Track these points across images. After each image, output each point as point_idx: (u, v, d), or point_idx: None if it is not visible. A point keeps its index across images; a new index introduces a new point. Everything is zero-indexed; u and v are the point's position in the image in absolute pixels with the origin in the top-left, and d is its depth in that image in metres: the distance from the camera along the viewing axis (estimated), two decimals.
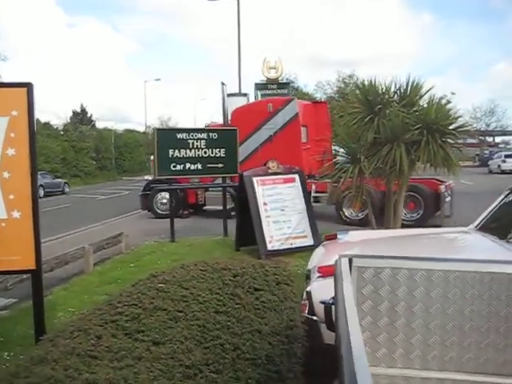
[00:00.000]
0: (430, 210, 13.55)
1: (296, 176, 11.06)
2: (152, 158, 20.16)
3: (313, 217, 10.88)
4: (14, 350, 5.82)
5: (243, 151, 15.25)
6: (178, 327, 3.12)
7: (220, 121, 18.17)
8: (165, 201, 17.64)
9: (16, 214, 4.55)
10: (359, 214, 14.24)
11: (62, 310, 7.22)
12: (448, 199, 13.86)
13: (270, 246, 10.23)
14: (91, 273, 9.68)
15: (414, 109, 9.43)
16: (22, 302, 7.67)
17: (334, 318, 2.73)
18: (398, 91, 9.61)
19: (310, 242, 10.42)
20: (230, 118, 17.38)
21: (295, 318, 3.68)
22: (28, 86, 4.52)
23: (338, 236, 6.60)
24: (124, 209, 20.72)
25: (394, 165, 8.84)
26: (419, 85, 9.45)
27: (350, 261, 2.69)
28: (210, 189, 17.19)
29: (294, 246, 10.42)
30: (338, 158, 10.57)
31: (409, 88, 9.44)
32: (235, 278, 3.90)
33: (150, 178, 18.99)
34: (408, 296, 2.73)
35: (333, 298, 2.72)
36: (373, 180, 9.63)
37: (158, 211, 17.86)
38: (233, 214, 16.41)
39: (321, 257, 5.61)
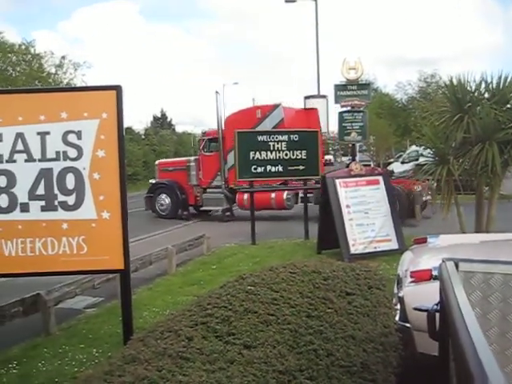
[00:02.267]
0: (404, 208, 13.92)
1: (380, 178, 10.77)
2: (157, 162, 21.40)
3: (397, 220, 10.55)
4: (102, 348, 5.99)
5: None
6: (269, 331, 3.04)
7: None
8: (162, 202, 19.44)
9: (105, 215, 4.63)
10: None
11: (146, 310, 7.35)
12: (426, 198, 14.51)
13: (353, 250, 10.02)
14: (174, 274, 9.83)
15: (508, 106, 8.94)
16: (108, 301, 7.92)
17: (437, 326, 2.55)
18: (489, 88, 9.15)
19: (394, 245, 10.11)
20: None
21: (389, 324, 3.50)
22: (117, 89, 4.60)
23: (429, 240, 6.33)
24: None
25: (485, 165, 8.40)
26: None
27: (456, 265, 2.50)
28: (207, 190, 18.89)
29: (377, 249, 10.16)
30: (421, 159, 10.23)
31: (501, 84, 8.95)
32: (326, 281, 3.77)
33: (153, 181, 20.94)
34: None
35: (437, 304, 2.54)
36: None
37: (160, 212, 19.44)
38: (227, 214, 18.19)
39: (411, 261, 5.37)
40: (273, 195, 17.26)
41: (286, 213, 18.01)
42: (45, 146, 4.60)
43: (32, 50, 28.14)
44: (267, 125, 17.36)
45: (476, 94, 9.15)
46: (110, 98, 4.59)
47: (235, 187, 17.27)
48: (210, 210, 19.10)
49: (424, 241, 6.34)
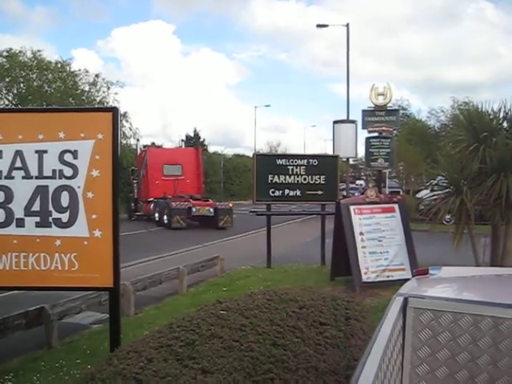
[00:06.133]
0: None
1: (396, 206, 10.66)
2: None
3: (412, 249, 10.40)
4: (98, 364, 6.05)
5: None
6: (230, 357, 3.05)
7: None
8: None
9: (97, 233, 4.74)
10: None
11: (148, 329, 7.35)
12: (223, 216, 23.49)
13: (365, 278, 9.91)
14: (184, 294, 9.88)
15: None
16: None
17: None
18: (508, 117, 9.01)
19: (408, 275, 9.88)
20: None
21: (360, 357, 3.46)
22: (113, 111, 4.75)
23: (430, 271, 6.22)
24: (227, 233, 21.09)
25: (499, 197, 8.25)
26: None
27: (406, 300, 2.48)
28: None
29: (390, 278, 10.01)
30: (435, 187, 10.16)
31: None
32: (301, 310, 3.76)
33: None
34: (472, 346, 2.45)
35: None
36: None
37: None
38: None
39: (410, 289, 5.30)
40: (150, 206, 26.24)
41: None
42: (42, 164, 4.75)
43: (67, 68, 29.03)
44: (144, 164, 27.30)
45: (494, 123, 9.03)
46: (106, 120, 4.71)
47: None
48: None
49: (425, 272, 6.24)
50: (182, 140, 42.28)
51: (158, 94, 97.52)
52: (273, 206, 13.50)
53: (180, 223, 22.97)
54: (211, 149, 55.78)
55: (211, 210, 23.76)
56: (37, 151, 4.75)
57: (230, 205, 24.76)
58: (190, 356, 3.05)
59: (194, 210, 23.58)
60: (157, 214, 25.15)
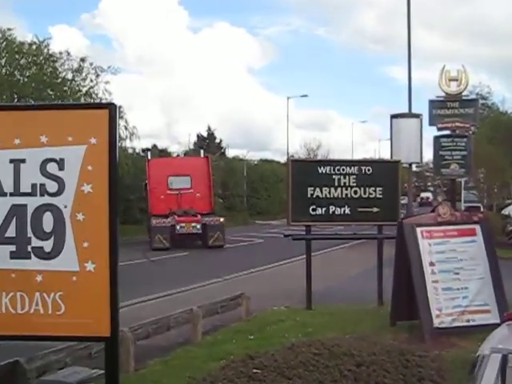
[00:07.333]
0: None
1: (477, 227, 10.55)
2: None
3: (500, 284, 10.27)
4: None
5: None
6: None
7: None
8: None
9: (90, 267, 4.73)
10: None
11: None
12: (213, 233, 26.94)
13: (437, 322, 9.83)
14: (199, 343, 9.89)
15: None
16: None
17: None
18: None
19: (494, 318, 9.81)
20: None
21: None
22: (110, 107, 4.74)
23: None
24: (252, 263, 21.09)
25: None
26: None
27: (505, 358, 2.43)
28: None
29: (471, 323, 9.94)
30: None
31: None
32: (358, 368, 3.71)
33: None
34: None
35: None
36: None
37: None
38: None
39: (503, 340, 5.22)
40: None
41: None
42: (18, 176, 4.75)
43: (45, 51, 29.30)
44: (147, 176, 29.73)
45: None
46: (101, 119, 4.70)
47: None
48: None
49: None
50: (201, 148, 42.63)
51: (160, 82, 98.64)
52: (313, 228, 13.43)
53: (163, 243, 26.00)
54: (230, 153, 55.90)
55: (198, 226, 26.89)
56: (12, 160, 4.76)
57: (221, 220, 27.73)
58: None
59: (178, 227, 26.57)
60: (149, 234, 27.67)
